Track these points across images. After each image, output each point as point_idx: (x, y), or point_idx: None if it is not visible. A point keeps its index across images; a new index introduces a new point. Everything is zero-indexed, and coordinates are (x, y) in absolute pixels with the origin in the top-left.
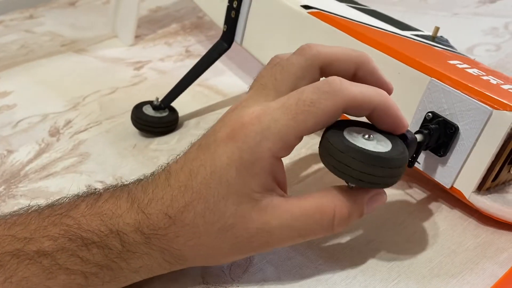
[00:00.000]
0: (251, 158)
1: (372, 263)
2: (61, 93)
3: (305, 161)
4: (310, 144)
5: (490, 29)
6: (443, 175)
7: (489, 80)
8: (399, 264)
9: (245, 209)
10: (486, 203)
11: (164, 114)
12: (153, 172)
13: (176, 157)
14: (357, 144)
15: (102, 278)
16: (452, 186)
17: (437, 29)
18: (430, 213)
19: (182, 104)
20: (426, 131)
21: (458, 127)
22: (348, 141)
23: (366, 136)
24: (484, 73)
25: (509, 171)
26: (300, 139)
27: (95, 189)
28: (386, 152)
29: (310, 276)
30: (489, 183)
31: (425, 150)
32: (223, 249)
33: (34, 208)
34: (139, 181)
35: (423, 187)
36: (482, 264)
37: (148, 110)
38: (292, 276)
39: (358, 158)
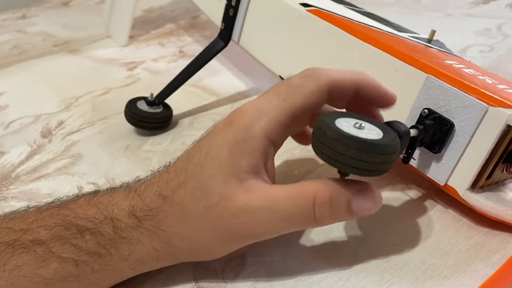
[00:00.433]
0: (243, 137)
1: (365, 265)
2: (54, 93)
3: (299, 162)
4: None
5: (483, 30)
6: (437, 172)
7: (485, 79)
8: (392, 266)
9: (231, 188)
10: (479, 201)
11: (158, 110)
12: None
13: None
14: (350, 132)
15: (92, 267)
16: (446, 184)
17: (433, 32)
18: (423, 215)
19: (175, 105)
20: (421, 126)
21: (453, 123)
22: (341, 129)
23: (357, 125)
24: (479, 73)
25: (503, 170)
26: (291, 120)
27: (95, 190)
28: (378, 139)
29: (303, 279)
30: (483, 181)
31: (420, 146)
32: (206, 232)
33: (33, 205)
34: (139, 179)
35: (416, 188)
36: (475, 266)
37: (142, 106)
38: (285, 278)
39: (352, 145)
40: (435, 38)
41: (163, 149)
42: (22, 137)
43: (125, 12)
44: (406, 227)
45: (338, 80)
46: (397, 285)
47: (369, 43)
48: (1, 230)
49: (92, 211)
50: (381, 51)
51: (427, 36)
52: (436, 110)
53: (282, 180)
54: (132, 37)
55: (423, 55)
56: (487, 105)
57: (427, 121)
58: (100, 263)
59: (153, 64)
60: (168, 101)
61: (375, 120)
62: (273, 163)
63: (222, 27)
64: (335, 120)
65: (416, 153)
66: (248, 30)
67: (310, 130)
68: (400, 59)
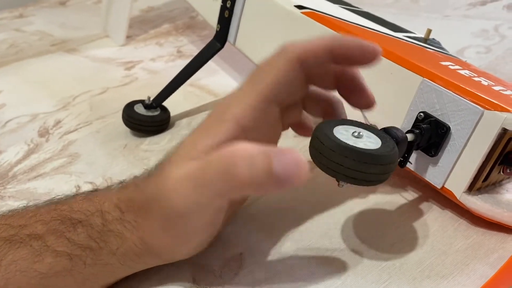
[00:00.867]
0: (212, 122)
1: (363, 264)
2: (51, 93)
3: None
4: (301, 146)
5: (480, 31)
6: (434, 175)
7: (481, 81)
8: (390, 266)
9: (173, 167)
10: (476, 203)
11: (156, 113)
12: None
13: None
14: (348, 142)
15: (85, 260)
16: (443, 186)
17: (429, 31)
18: (421, 214)
19: (173, 104)
20: (418, 131)
21: (449, 127)
22: (339, 139)
23: (356, 133)
24: (475, 75)
25: (499, 171)
26: (265, 101)
27: (95, 188)
28: (376, 149)
29: (301, 278)
30: (479, 183)
31: (416, 150)
32: (153, 220)
33: (32, 203)
34: (135, 177)
35: (414, 188)
36: (472, 265)
37: (139, 109)
38: (283, 278)
39: (350, 156)
40: (431, 36)
41: (161, 148)
42: (19, 136)
43: (122, 11)
44: (403, 226)
45: (307, 49)
46: (395, 285)
47: None
48: (0, 226)
49: (86, 204)
50: None
51: (423, 35)
52: (432, 114)
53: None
54: (130, 37)
55: (419, 58)
56: (482, 109)
57: (423, 125)
58: (92, 257)
59: (151, 64)
60: (166, 100)
61: (374, 128)
62: None
63: (218, 29)
64: (333, 128)
65: (413, 156)
66: (244, 32)
67: (309, 121)
68: (395, 62)
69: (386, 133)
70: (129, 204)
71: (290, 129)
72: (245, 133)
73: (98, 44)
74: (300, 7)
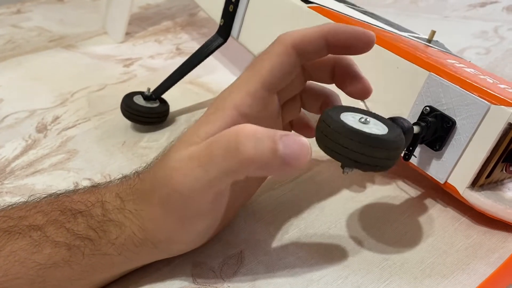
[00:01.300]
0: (213, 111)
1: (364, 263)
2: (49, 89)
3: None
4: None
5: (480, 32)
6: (437, 170)
7: (486, 79)
8: (391, 265)
9: (177, 154)
10: (479, 199)
11: (155, 105)
12: None
13: None
14: (354, 126)
15: (83, 251)
16: (446, 182)
17: (433, 32)
18: (422, 213)
19: (172, 102)
20: (424, 123)
21: (455, 121)
22: (346, 123)
23: (363, 119)
24: (480, 73)
25: (502, 169)
26: (262, 88)
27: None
28: (383, 134)
29: (302, 277)
30: (483, 179)
31: (421, 143)
32: (159, 206)
33: (33, 198)
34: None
35: (415, 187)
36: (473, 265)
37: (139, 100)
38: (283, 276)
39: (356, 139)
40: (434, 38)
41: (159, 145)
42: (17, 132)
43: (122, 8)
44: (404, 226)
45: (302, 37)
46: (395, 284)
47: None
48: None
49: (87, 196)
50: (383, 49)
51: (426, 37)
52: (438, 108)
53: (281, 178)
54: (128, 34)
55: (425, 54)
56: (489, 103)
57: (429, 118)
58: (90, 248)
59: (150, 61)
60: (165, 98)
61: (381, 116)
62: None
63: (221, 23)
64: (340, 113)
65: (417, 151)
66: (248, 26)
67: (309, 121)
68: (402, 57)
69: (393, 122)
70: (129, 193)
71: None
72: (245, 120)
73: (96, 40)
74: (306, 1)
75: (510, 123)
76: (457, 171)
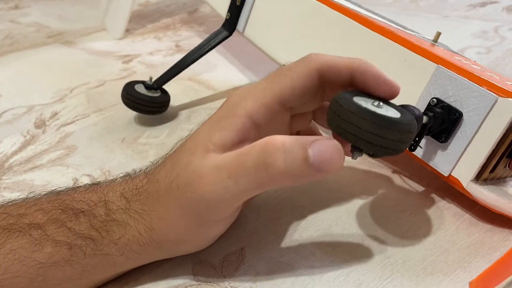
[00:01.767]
0: (225, 114)
1: (365, 260)
2: (47, 84)
3: None
4: None
5: (480, 32)
6: (442, 163)
7: (492, 75)
8: (392, 262)
9: (193, 157)
10: (483, 192)
11: (156, 94)
12: None
13: None
14: (368, 107)
15: (85, 250)
16: (450, 175)
17: (438, 34)
18: (423, 211)
19: (172, 98)
20: (432, 114)
21: (462, 113)
22: (359, 103)
23: (376, 103)
24: (487, 70)
25: (505, 166)
26: (278, 102)
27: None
28: (396, 117)
29: (303, 273)
30: (487, 173)
31: (427, 135)
32: (173, 209)
33: (32, 195)
34: (140, 169)
35: (417, 185)
36: (475, 263)
37: (140, 89)
38: (284, 273)
39: (370, 119)
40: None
41: (159, 142)
42: (15, 127)
43: (123, 5)
44: (406, 223)
45: (330, 63)
46: (397, 281)
47: (379, 33)
48: None
49: (89, 195)
50: (391, 41)
51: (430, 38)
52: (445, 100)
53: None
54: (127, 31)
55: (432, 48)
56: (496, 96)
57: (437, 109)
58: (92, 247)
59: (149, 58)
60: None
61: (393, 103)
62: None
63: (227, 17)
64: (353, 96)
65: (422, 142)
66: (255, 20)
67: (317, 129)
68: (409, 49)
69: (404, 109)
70: (136, 193)
71: None
72: (256, 129)
73: (95, 37)
74: None
75: None
76: (461, 164)
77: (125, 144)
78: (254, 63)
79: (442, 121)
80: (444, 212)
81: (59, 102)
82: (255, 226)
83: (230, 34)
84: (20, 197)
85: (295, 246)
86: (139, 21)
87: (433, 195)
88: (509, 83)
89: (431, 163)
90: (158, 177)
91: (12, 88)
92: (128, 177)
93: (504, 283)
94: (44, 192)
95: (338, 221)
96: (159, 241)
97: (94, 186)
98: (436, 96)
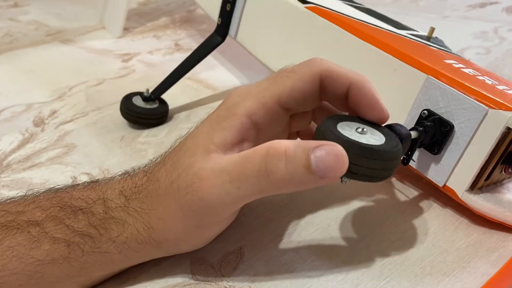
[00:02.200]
0: (225, 114)
1: (364, 260)
2: (46, 83)
3: None
4: None
5: (480, 33)
6: (436, 174)
7: (485, 80)
8: (391, 262)
9: (194, 158)
10: (478, 202)
11: (155, 105)
12: None
13: None
14: (351, 137)
15: (83, 248)
16: (445, 185)
17: (432, 29)
18: (422, 212)
19: (171, 98)
20: (421, 128)
21: (453, 125)
22: (342, 134)
23: (360, 129)
24: (479, 73)
25: (501, 171)
26: (278, 103)
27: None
28: (379, 144)
29: (301, 273)
30: (481, 182)
31: (419, 147)
32: (172, 209)
33: (31, 192)
34: (138, 167)
35: (415, 186)
36: (474, 263)
37: (138, 101)
38: (283, 272)
39: (352, 150)
40: (433, 35)
41: (158, 141)
42: (14, 125)
43: (120, 3)
44: (404, 224)
45: (332, 71)
46: (396, 281)
47: (368, 42)
48: None
49: (87, 192)
50: (381, 51)
51: (425, 33)
52: (436, 111)
53: None
54: (126, 29)
55: (423, 55)
56: (487, 107)
57: (427, 123)
58: (90, 245)
59: (149, 57)
60: (164, 93)
61: (379, 125)
62: (253, 146)
63: (219, 22)
64: (337, 123)
65: (415, 154)
66: (245, 26)
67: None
68: (399, 59)
69: (390, 129)
70: (135, 191)
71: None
72: (256, 129)
73: (94, 35)
74: (304, 1)
75: (509, 127)
76: (455, 174)
77: (124, 143)
78: (253, 62)
79: (434, 133)
80: (443, 213)
81: (58, 100)
82: (254, 226)
83: (223, 40)
84: (18, 194)
85: (294, 245)
86: (139, 19)
87: (432, 196)
88: (501, 87)
89: (426, 174)
90: (158, 176)
91: (11, 86)
92: (127, 175)
93: None
94: (43, 190)
95: (337, 221)
96: (157, 240)
97: (93, 184)
98: (427, 108)
